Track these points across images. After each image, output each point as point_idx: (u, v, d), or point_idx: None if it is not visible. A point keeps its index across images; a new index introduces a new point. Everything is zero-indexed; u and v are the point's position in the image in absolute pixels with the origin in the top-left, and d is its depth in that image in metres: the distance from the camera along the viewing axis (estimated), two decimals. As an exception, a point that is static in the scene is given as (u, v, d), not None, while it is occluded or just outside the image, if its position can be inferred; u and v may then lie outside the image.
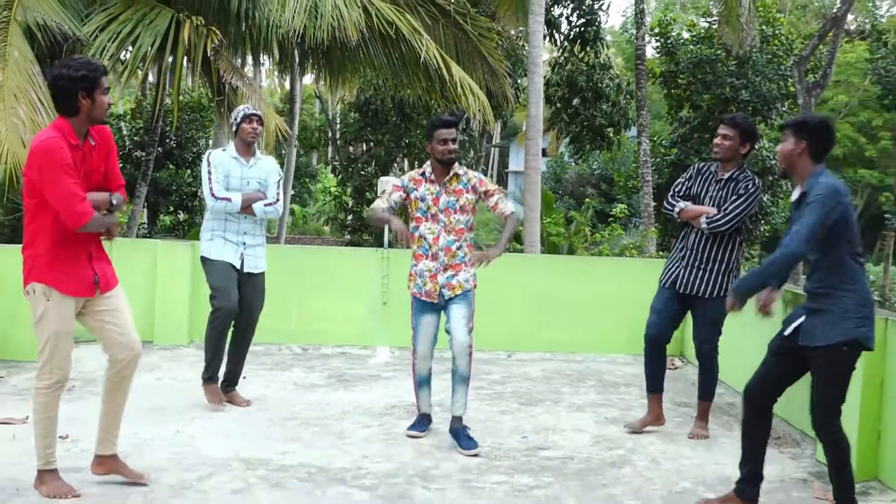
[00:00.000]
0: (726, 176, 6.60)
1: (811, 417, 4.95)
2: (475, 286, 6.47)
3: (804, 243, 4.71)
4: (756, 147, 20.26)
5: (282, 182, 7.36)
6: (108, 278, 5.15)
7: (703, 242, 6.61)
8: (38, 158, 4.77)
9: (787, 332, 5.03)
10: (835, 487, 4.96)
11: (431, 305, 6.41)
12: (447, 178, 6.42)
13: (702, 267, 6.62)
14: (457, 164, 6.49)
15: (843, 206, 4.80)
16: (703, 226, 6.50)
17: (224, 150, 7.20)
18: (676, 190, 6.81)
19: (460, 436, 6.33)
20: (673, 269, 6.75)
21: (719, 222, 6.46)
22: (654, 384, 6.87)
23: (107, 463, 5.25)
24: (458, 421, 6.42)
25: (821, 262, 4.90)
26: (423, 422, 6.61)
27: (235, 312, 7.06)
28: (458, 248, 6.39)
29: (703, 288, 6.61)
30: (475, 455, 6.16)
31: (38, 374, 5.02)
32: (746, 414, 5.19)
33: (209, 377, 7.16)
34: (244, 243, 7.10)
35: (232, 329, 7.19)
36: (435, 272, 6.37)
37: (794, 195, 4.98)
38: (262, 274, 7.26)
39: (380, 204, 6.44)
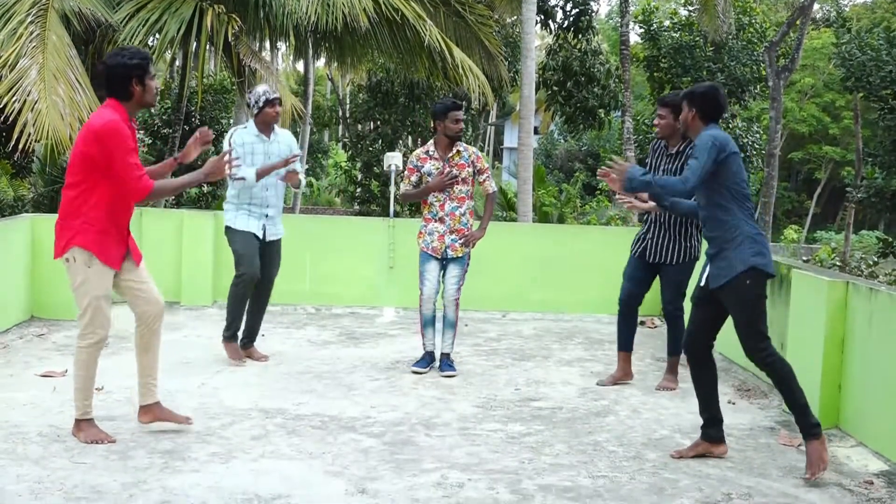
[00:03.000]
0: (674, 151, 6.60)
1: (746, 353, 4.99)
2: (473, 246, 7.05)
3: (698, 179, 4.79)
4: (730, 126, 20.28)
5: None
6: (138, 253, 5.16)
7: (664, 215, 6.56)
8: (106, 138, 4.74)
9: (701, 283, 5.10)
10: (791, 411, 4.96)
11: (435, 258, 6.92)
12: (451, 153, 6.86)
13: (665, 237, 6.61)
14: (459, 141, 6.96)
15: (727, 153, 4.86)
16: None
17: (245, 127, 7.13)
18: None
19: (443, 364, 6.94)
20: (641, 240, 6.74)
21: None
22: (624, 343, 6.89)
23: (152, 411, 5.24)
24: (446, 356, 6.97)
25: (709, 209, 4.95)
26: (426, 359, 7.00)
27: (257, 277, 7.04)
28: (462, 214, 6.90)
29: (667, 256, 6.62)
30: (449, 375, 6.81)
31: (81, 335, 5.00)
32: (691, 366, 5.22)
33: (230, 336, 7.14)
34: (266, 215, 7.05)
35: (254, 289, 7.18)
36: (442, 233, 6.88)
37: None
38: (280, 240, 7.24)
39: (407, 188, 6.98)
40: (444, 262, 6.93)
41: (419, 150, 7.01)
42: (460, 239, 6.87)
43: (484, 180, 6.99)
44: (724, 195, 4.89)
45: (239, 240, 7.01)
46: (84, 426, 5.03)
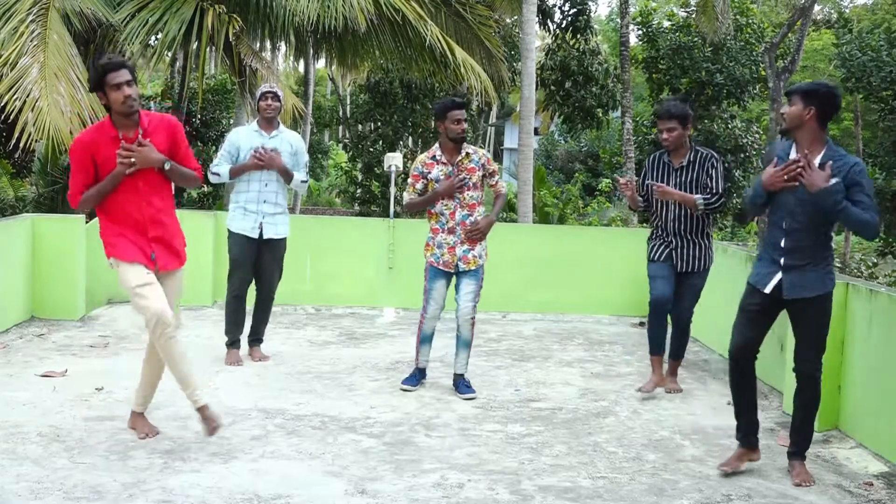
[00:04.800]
0: (684, 163, 6.48)
1: (799, 362, 4.84)
2: (486, 258, 6.48)
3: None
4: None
5: (307, 162, 7.34)
6: (168, 260, 5.02)
7: (682, 225, 6.50)
8: (70, 148, 4.90)
9: (767, 290, 4.87)
10: (801, 432, 4.90)
11: (446, 273, 6.37)
12: (459, 157, 6.33)
13: (691, 246, 6.53)
14: (465, 142, 6.41)
15: None
16: (701, 206, 6.34)
17: (248, 125, 7.20)
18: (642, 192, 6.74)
19: (460, 385, 6.44)
20: (663, 247, 6.57)
21: (716, 202, 6.37)
22: (659, 346, 6.62)
23: (133, 419, 5.21)
24: (460, 377, 6.49)
25: (813, 226, 4.77)
26: (416, 376, 6.56)
27: (248, 279, 7.08)
28: (474, 222, 6.33)
29: (695, 264, 6.54)
30: (470, 398, 6.29)
31: (147, 327, 4.88)
32: (738, 376, 5.03)
33: (229, 343, 7.16)
34: (263, 213, 6.99)
35: (256, 292, 7.19)
36: (453, 245, 6.31)
37: (793, 154, 4.79)
38: (282, 240, 7.14)
39: (412, 196, 6.38)
40: (455, 275, 6.41)
41: (424, 156, 6.45)
42: (477, 232, 6.32)
43: (496, 182, 6.50)
44: (830, 220, 4.80)
45: (232, 244, 7.05)
46: (139, 421, 5.12)
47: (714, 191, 6.39)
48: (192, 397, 4.93)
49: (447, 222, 6.33)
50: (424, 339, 6.51)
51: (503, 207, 6.64)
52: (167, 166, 4.90)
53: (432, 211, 6.37)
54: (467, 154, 6.34)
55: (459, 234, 6.31)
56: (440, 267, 6.35)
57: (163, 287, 4.94)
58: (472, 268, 6.35)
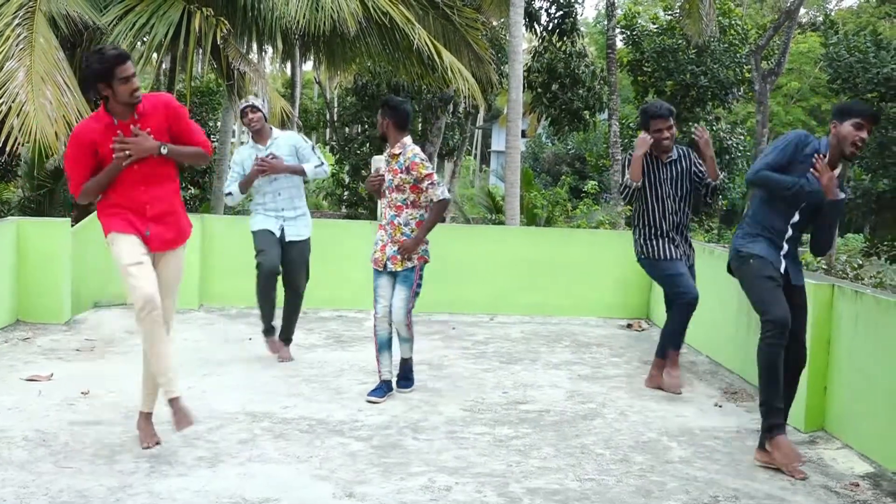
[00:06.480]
0: (673, 157, 6.66)
1: (802, 344, 5.21)
2: (425, 261, 6.31)
3: None
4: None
5: (315, 147, 7.38)
6: (163, 242, 4.93)
7: (679, 218, 6.65)
8: (68, 144, 4.85)
9: (782, 270, 5.16)
10: (785, 403, 5.16)
11: (382, 271, 6.29)
12: (391, 156, 6.20)
13: (684, 238, 6.74)
14: (408, 141, 6.19)
15: None
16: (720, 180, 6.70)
17: (245, 142, 7.31)
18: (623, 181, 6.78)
19: (399, 380, 6.51)
20: (670, 243, 6.62)
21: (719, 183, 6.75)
22: (681, 342, 6.82)
23: (139, 419, 5.09)
24: (404, 361, 6.53)
25: (809, 220, 5.17)
26: (382, 388, 6.31)
27: (276, 271, 7.16)
28: (404, 223, 6.18)
29: (692, 255, 6.82)
30: (404, 391, 6.44)
31: (134, 307, 4.80)
32: (780, 350, 5.02)
33: (264, 331, 7.37)
34: (283, 217, 7.19)
35: (284, 293, 7.31)
36: (385, 243, 6.25)
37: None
38: (305, 241, 7.28)
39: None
40: (394, 276, 6.26)
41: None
42: (400, 250, 6.17)
43: (427, 188, 6.09)
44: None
45: (257, 237, 7.21)
46: (141, 422, 5.00)
47: (714, 175, 6.65)
48: (166, 386, 4.84)
49: (381, 219, 6.37)
50: (381, 347, 6.33)
51: (439, 216, 6.28)
52: (164, 150, 4.80)
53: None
54: (395, 155, 6.15)
55: (390, 233, 6.21)
56: (373, 265, 6.34)
57: (159, 270, 4.89)
58: (400, 269, 6.20)
